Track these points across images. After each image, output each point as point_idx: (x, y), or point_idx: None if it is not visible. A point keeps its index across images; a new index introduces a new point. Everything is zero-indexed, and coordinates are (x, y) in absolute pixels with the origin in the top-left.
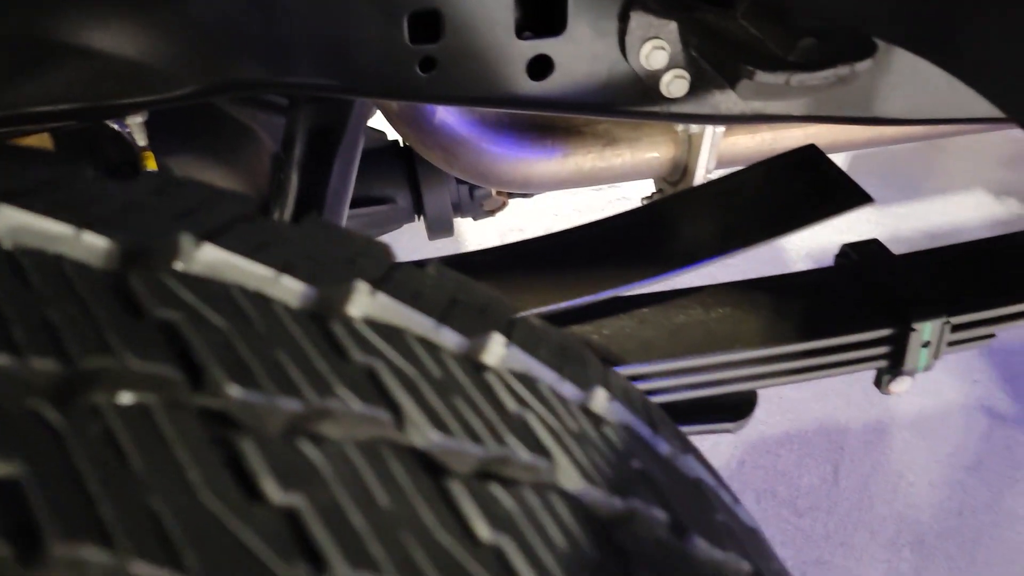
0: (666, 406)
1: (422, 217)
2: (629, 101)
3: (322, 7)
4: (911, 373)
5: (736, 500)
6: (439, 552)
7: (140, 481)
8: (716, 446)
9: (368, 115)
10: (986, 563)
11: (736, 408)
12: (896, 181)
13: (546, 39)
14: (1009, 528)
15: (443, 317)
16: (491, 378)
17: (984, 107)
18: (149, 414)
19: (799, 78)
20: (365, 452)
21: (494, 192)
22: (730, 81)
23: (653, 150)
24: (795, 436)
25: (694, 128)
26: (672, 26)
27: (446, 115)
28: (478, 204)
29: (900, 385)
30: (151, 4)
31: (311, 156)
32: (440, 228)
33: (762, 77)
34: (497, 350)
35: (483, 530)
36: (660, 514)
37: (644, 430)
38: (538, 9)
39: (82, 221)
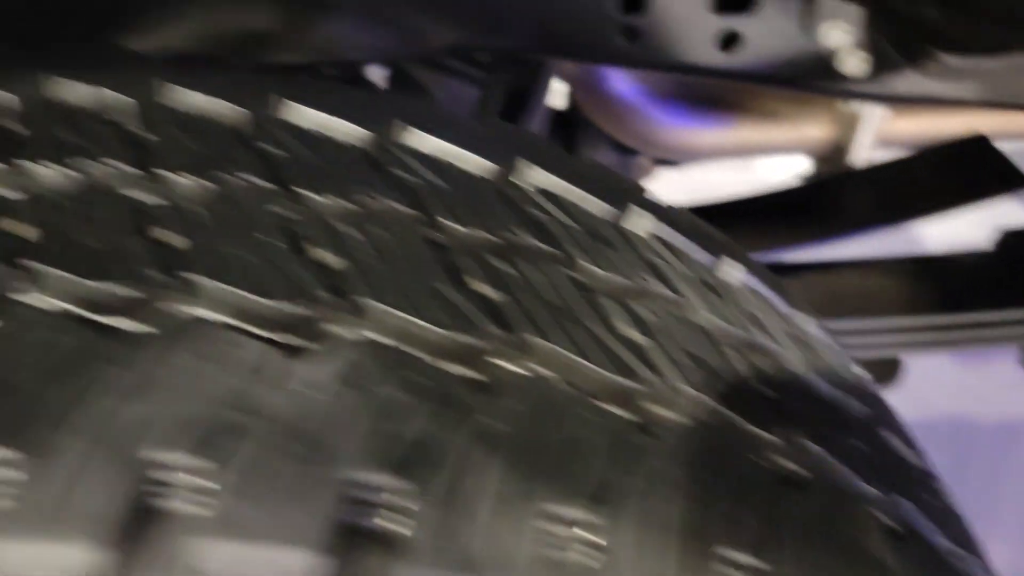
0: None
1: None
2: (807, 77)
3: None
4: None
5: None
6: (434, 292)
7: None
8: None
9: (549, 82)
10: None
11: (882, 371)
12: None
13: (737, 16)
14: None
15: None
16: (514, 193)
17: None
18: None
19: (983, 63)
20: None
21: (644, 162)
22: (915, 64)
23: (814, 127)
24: (924, 427)
25: (856, 107)
26: (856, 8)
27: (618, 82)
28: (627, 170)
29: None
30: None
31: (505, 116)
32: None
33: (948, 61)
34: (530, 173)
35: (482, 287)
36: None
37: (695, 254)
38: None
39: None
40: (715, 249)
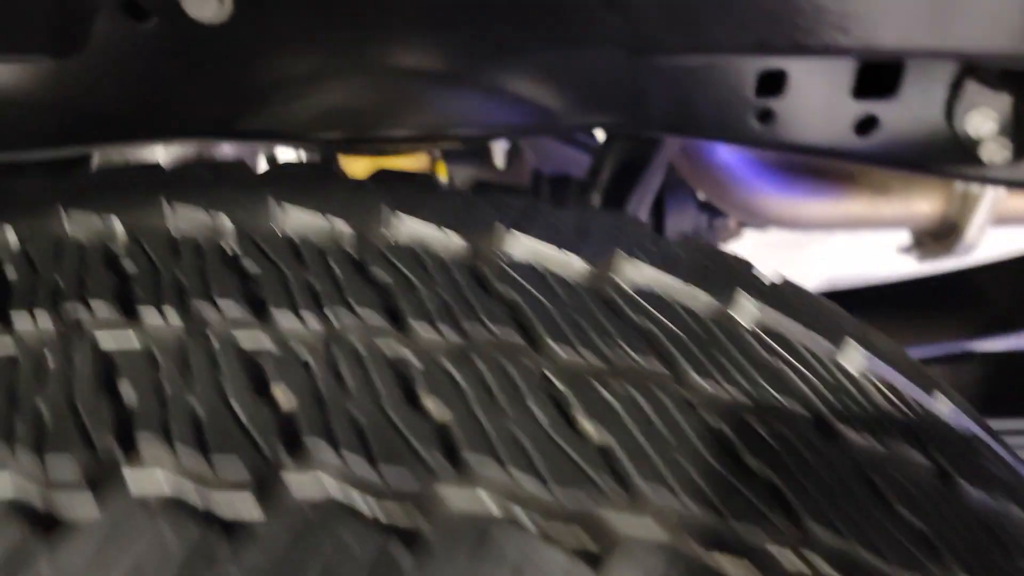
0: None
1: None
2: (943, 162)
3: (687, 70)
4: None
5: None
6: (708, 472)
7: None
8: None
9: (665, 156)
10: None
11: None
12: None
13: (877, 100)
14: None
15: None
16: (741, 334)
17: None
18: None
19: None
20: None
21: (731, 224)
22: None
23: (924, 203)
24: None
25: (973, 187)
26: (1005, 97)
27: (723, 151)
28: (714, 232)
29: None
30: (564, 65)
31: (615, 185)
32: None
33: None
34: (749, 308)
35: (752, 462)
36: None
37: (910, 391)
38: (874, 73)
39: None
40: (923, 382)
